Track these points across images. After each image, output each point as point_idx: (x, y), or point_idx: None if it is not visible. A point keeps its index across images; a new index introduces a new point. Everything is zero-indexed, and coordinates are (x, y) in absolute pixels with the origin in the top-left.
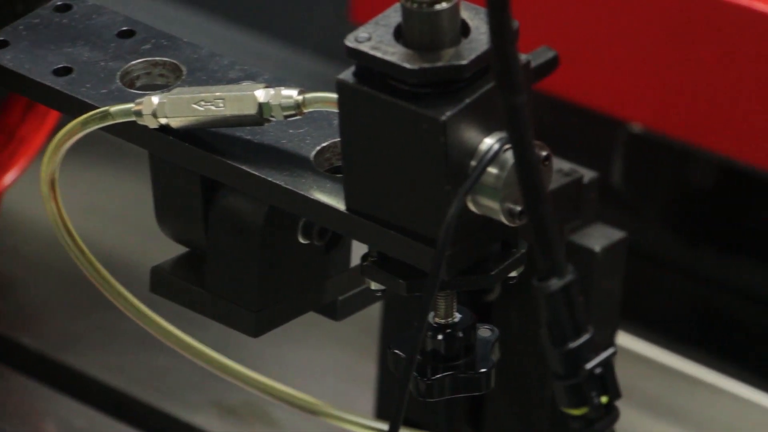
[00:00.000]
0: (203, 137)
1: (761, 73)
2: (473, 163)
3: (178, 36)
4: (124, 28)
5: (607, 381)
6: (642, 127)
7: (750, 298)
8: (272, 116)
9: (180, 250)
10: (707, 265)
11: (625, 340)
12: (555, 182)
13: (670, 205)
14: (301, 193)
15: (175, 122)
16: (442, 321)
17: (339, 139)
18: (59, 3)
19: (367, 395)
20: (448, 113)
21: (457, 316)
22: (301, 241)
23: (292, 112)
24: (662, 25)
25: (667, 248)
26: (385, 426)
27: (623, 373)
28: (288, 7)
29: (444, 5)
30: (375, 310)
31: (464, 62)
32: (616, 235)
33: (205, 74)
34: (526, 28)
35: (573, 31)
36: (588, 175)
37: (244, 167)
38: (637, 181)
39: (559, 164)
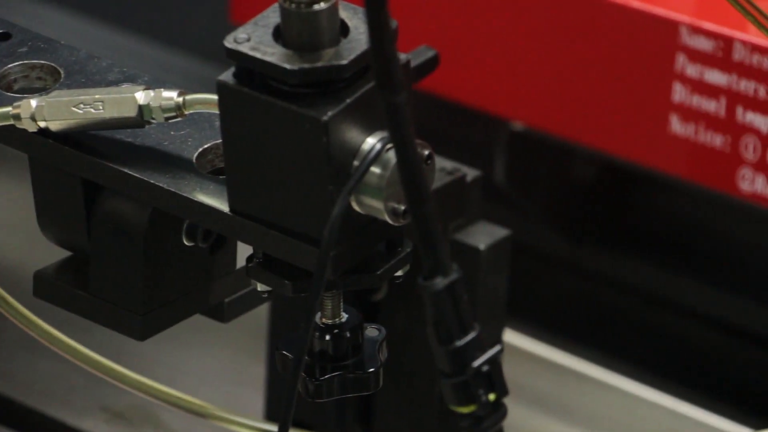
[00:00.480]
0: (83, 140)
1: (639, 70)
2: (356, 162)
3: (56, 39)
4: (0, 31)
5: (494, 378)
6: (523, 125)
7: (634, 293)
8: (153, 118)
9: (64, 254)
10: (591, 260)
11: (511, 337)
12: (438, 181)
13: (553, 202)
14: (184, 195)
15: (54, 125)
16: (330, 321)
17: (221, 140)
18: None
19: (256, 397)
20: (330, 113)
21: (344, 316)
22: (186, 243)
23: (173, 114)
24: (542, 23)
25: (551, 245)
26: (274, 428)
27: (510, 371)
28: (167, 7)
29: (322, 5)
30: (262, 311)
31: (344, 62)
32: (500, 232)
33: (83, 77)
34: (406, 27)
35: (453, 29)
36: (471, 173)
37: (125, 170)
38: (520, 179)
39: (442, 163)
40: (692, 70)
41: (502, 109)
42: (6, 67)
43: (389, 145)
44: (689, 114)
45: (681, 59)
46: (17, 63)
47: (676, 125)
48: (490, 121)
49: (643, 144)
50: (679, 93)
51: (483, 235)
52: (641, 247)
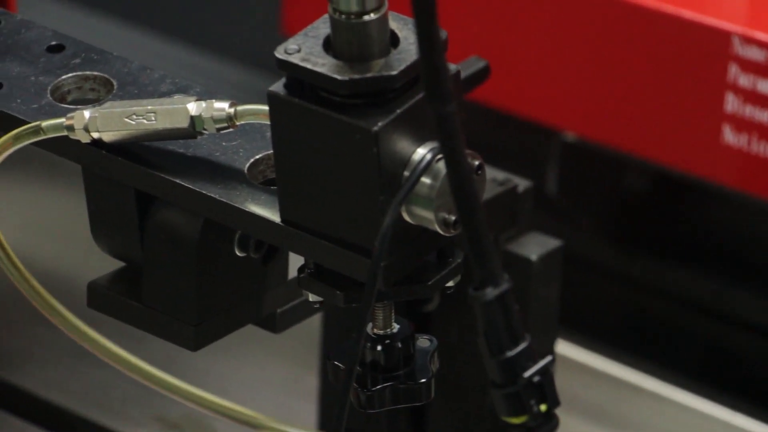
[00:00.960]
0: (136, 151)
1: (691, 81)
2: (406, 173)
3: (109, 50)
4: (54, 43)
5: (545, 389)
6: (575, 136)
7: (687, 304)
8: (205, 129)
9: (117, 264)
10: (643, 271)
11: (563, 348)
12: (490, 192)
13: (605, 213)
14: (236, 205)
15: (107, 136)
16: (381, 331)
17: (272, 151)
18: None
19: (309, 408)
20: (380, 123)
21: (396, 327)
22: (238, 253)
23: (225, 125)
24: (593, 33)
25: (603, 255)
26: None
27: (562, 381)
28: (219, 18)
29: (372, 16)
30: (315, 321)
31: (394, 73)
32: (552, 243)
33: (136, 88)
34: (456, 38)
35: (504, 40)
36: (523, 184)
37: (177, 180)
38: (572, 189)
39: (494, 174)
40: (745, 80)
41: (554, 120)
42: (60, 79)
43: (439, 156)
44: (742, 124)
45: (733, 69)
46: (71, 74)
47: (729, 135)
48: (542, 131)
49: (696, 154)
50: (731, 103)
51: (535, 246)
52: (694, 257)
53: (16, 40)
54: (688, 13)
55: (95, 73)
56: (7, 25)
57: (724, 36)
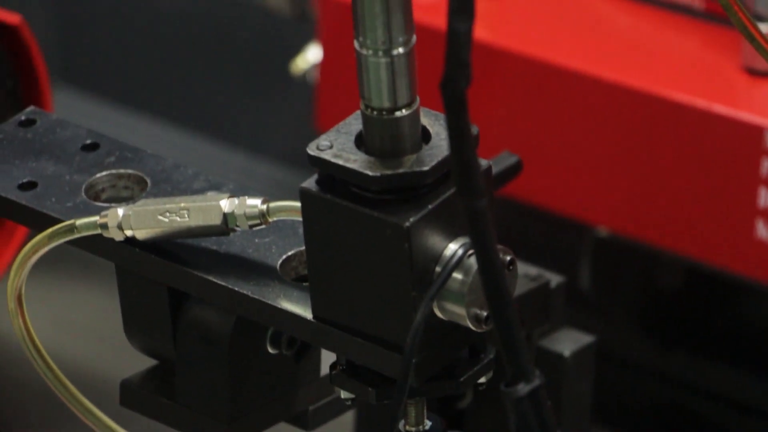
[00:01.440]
0: (169, 248)
1: (723, 176)
2: (438, 268)
3: (143, 148)
4: (88, 142)
5: None
6: (608, 231)
7: (722, 402)
8: (237, 226)
9: (150, 362)
10: (678, 367)
11: None
12: (522, 287)
13: (639, 308)
14: (268, 302)
15: (140, 234)
16: (413, 428)
17: (304, 247)
18: (23, 118)
19: None
20: (412, 219)
21: (428, 423)
22: (270, 350)
23: (257, 222)
24: (625, 128)
25: (637, 351)
26: None
27: None
28: (251, 115)
29: (404, 112)
30: (347, 418)
31: (426, 168)
32: (585, 339)
33: (169, 185)
34: (488, 132)
35: (536, 135)
36: (555, 279)
37: (210, 278)
38: (605, 285)
39: (526, 269)
40: None
41: (587, 215)
42: (93, 177)
43: (471, 251)
44: None
45: (766, 164)
46: (105, 173)
47: (762, 231)
48: (575, 226)
49: (730, 250)
50: (764, 198)
51: (568, 342)
52: (729, 354)
53: (51, 139)
54: (720, 108)
55: (129, 171)
56: (43, 124)
57: (757, 131)
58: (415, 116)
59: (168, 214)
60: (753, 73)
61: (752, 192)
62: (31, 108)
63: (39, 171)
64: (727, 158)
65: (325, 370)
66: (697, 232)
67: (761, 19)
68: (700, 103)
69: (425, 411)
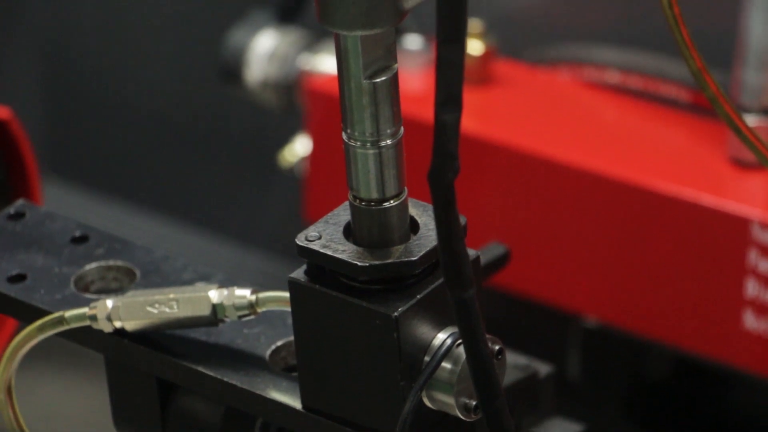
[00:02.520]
0: (158, 339)
1: (711, 266)
2: (427, 358)
3: (132, 239)
4: (78, 234)
5: None
6: (596, 321)
7: None
8: (226, 317)
9: None
10: None
11: None
12: (511, 377)
13: (628, 398)
14: (257, 392)
15: (129, 325)
16: None
17: (293, 338)
18: (12, 211)
19: None
20: (400, 309)
21: None
22: None
23: (246, 312)
24: (612, 219)
25: None
26: None
27: None
28: (240, 206)
29: (392, 203)
30: None
31: (414, 259)
32: (574, 428)
33: (159, 276)
34: (476, 222)
35: (524, 225)
36: (544, 369)
37: (199, 368)
38: (594, 374)
39: (515, 359)
40: (765, 265)
41: (575, 305)
42: (83, 269)
43: (459, 341)
44: (763, 309)
45: (753, 255)
46: (94, 265)
47: (750, 321)
48: (563, 316)
49: (717, 340)
50: (751, 288)
51: (557, 431)
52: None
53: (41, 231)
54: (706, 200)
55: (118, 263)
56: (32, 217)
57: (743, 222)
58: (403, 207)
59: (157, 305)
60: (739, 164)
61: (739, 282)
62: (20, 201)
63: (28, 264)
64: (714, 249)
65: None
66: (684, 322)
67: (747, 110)
68: (687, 194)
69: None
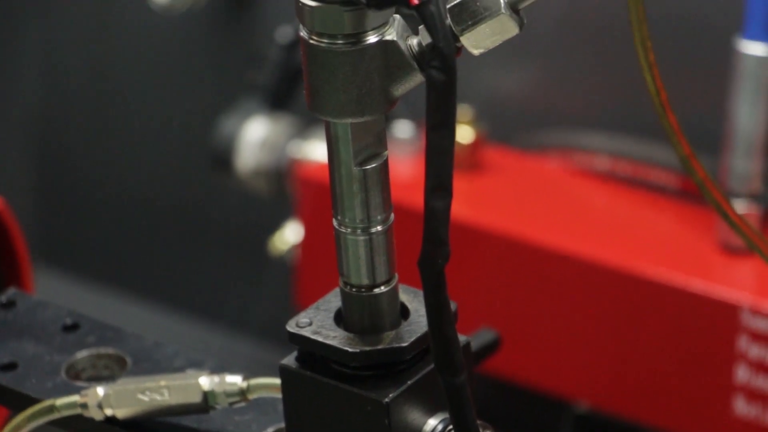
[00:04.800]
0: (150, 426)
1: (701, 352)
2: None
3: (123, 327)
4: (69, 322)
5: None
6: (587, 406)
7: None
8: (217, 404)
9: None
10: None
11: None
12: None
13: None
14: None
15: (121, 413)
16: None
17: (284, 425)
18: (4, 300)
19: None
20: (391, 395)
21: None
22: None
23: (237, 399)
24: (603, 305)
25: None
26: None
27: None
28: (231, 293)
29: (383, 289)
30: None
31: (404, 345)
32: None
33: (150, 364)
34: (467, 307)
35: (514, 311)
36: None
37: None
38: None
39: None
40: (755, 351)
41: (566, 391)
42: (74, 357)
43: (450, 427)
44: (753, 395)
45: (743, 341)
46: (85, 353)
47: (741, 406)
48: (554, 402)
49: (708, 425)
50: (742, 374)
51: None
52: None
53: (32, 320)
54: (696, 286)
55: (109, 351)
56: (23, 305)
57: (733, 309)
58: (393, 293)
59: (148, 392)
60: (728, 250)
61: (730, 368)
62: (11, 290)
63: (20, 352)
64: (704, 335)
65: None
66: (676, 407)
67: (736, 196)
68: (677, 280)
69: None
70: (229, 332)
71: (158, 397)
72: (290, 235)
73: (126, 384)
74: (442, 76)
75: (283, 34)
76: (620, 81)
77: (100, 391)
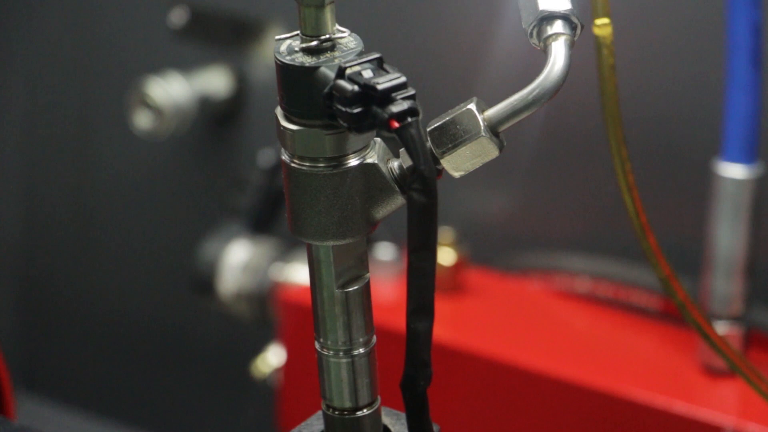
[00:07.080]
0: None
1: None
2: None
3: None
4: None
5: None
6: None
7: None
8: None
9: None
10: None
11: None
12: None
13: None
14: None
15: None
16: None
17: None
18: None
19: None
20: None
21: None
22: None
23: None
24: (585, 427)
25: None
26: None
27: None
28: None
29: (365, 412)
30: None
31: None
32: None
33: None
34: (449, 430)
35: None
36: None
37: None
38: None
39: None
40: None
41: None
42: None
43: None
44: None
45: None
46: None
47: None
48: None
49: None
50: None
51: None
52: None
53: None
54: (679, 407)
55: None
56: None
57: (716, 430)
58: (376, 416)
59: None
60: (710, 371)
61: None
62: None
63: None
64: None
65: None
66: None
67: (717, 318)
68: (659, 402)
69: None
70: None
71: None
72: (273, 358)
73: None
74: (423, 199)
75: (265, 158)
76: (600, 203)
77: None
